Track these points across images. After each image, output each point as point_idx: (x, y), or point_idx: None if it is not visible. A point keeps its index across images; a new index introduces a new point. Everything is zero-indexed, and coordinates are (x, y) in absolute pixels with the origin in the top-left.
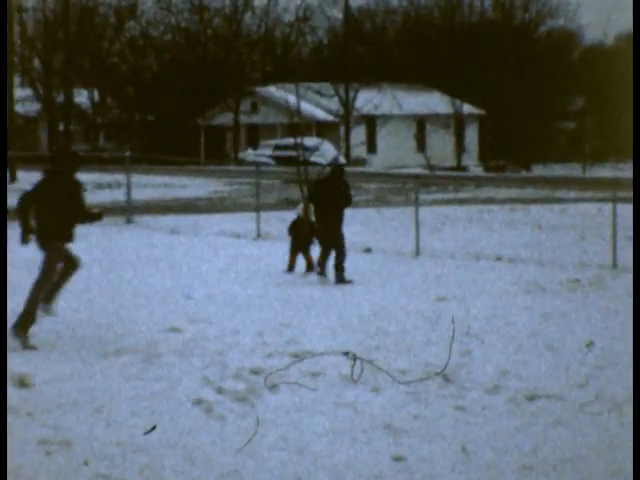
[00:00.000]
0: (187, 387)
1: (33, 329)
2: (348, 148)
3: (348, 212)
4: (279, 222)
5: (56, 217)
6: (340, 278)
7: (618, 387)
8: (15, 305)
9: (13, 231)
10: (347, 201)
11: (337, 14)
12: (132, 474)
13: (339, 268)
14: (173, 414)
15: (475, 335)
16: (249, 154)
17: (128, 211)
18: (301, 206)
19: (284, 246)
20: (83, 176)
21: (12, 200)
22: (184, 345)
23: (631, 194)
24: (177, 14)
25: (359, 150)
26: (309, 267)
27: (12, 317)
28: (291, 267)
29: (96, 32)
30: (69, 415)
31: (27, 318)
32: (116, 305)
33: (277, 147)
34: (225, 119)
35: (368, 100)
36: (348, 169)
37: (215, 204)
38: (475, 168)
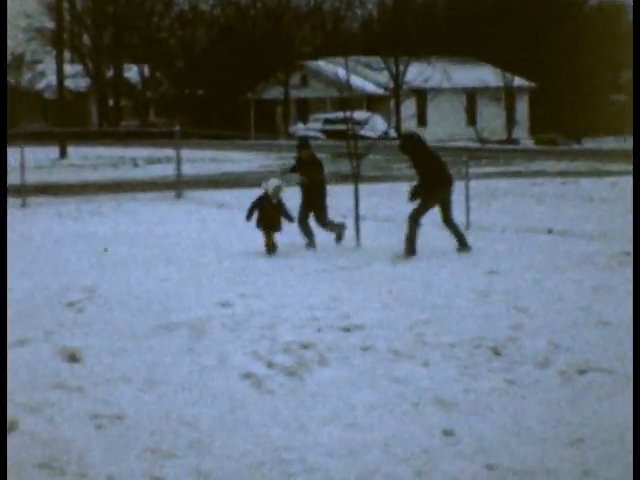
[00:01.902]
0: (237, 361)
1: (83, 304)
2: (398, 121)
3: (397, 186)
4: (329, 196)
5: None
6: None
7: None
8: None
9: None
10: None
11: None
12: (182, 448)
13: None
14: (223, 388)
15: (525, 309)
16: (299, 128)
17: (178, 186)
18: (272, 182)
19: (334, 220)
20: (134, 151)
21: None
22: (234, 319)
23: None
24: None
25: (409, 123)
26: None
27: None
28: (270, 247)
29: (145, 7)
30: (119, 389)
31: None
32: (166, 279)
33: (327, 121)
34: (275, 93)
35: (418, 73)
36: (398, 142)
37: (265, 178)
38: (525, 141)
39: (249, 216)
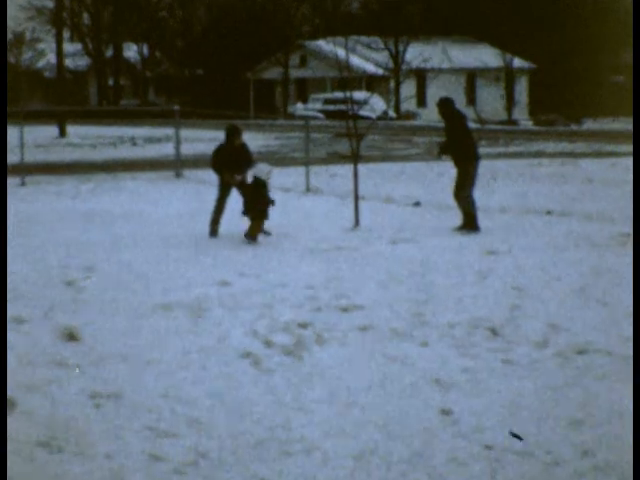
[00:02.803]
0: (236, 340)
1: (82, 283)
2: (398, 102)
3: (397, 166)
4: (329, 176)
5: None
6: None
7: None
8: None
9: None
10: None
11: None
12: (181, 427)
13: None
14: (222, 367)
15: (524, 289)
16: (298, 108)
17: (177, 165)
18: (262, 167)
19: (333, 200)
20: (133, 130)
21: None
22: (233, 298)
23: None
24: None
25: (409, 104)
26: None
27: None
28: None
29: None
30: (118, 368)
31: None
32: (164, 258)
33: (326, 101)
34: (274, 73)
35: (418, 54)
36: (398, 122)
37: (264, 158)
38: (525, 122)
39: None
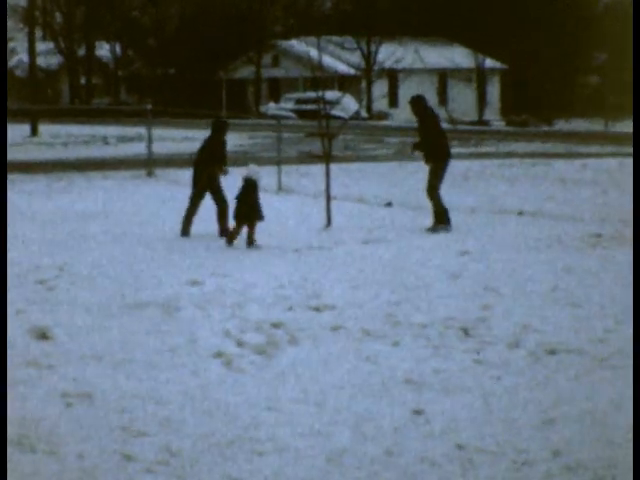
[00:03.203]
0: (207, 340)
1: (53, 282)
2: (370, 102)
3: (368, 166)
4: (300, 176)
5: None
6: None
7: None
8: None
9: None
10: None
11: None
12: (152, 426)
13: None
14: (194, 367)
15: (496, 289)
16: (271, 107)
17: (149, 164)
18: (253, 169)
19: (305, 200)
20: (105, 129)
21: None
22: (204, 298)
23: None
24: None
25: (381, 104)
26: (248, 239)
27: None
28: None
29: None
30: (90, 368)
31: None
32: (136, 258)
33: (299, 101)
34: (247, 72)
35: (390, 54)
36: (370, 122)
37: (236, 157)
38: (497, 122)
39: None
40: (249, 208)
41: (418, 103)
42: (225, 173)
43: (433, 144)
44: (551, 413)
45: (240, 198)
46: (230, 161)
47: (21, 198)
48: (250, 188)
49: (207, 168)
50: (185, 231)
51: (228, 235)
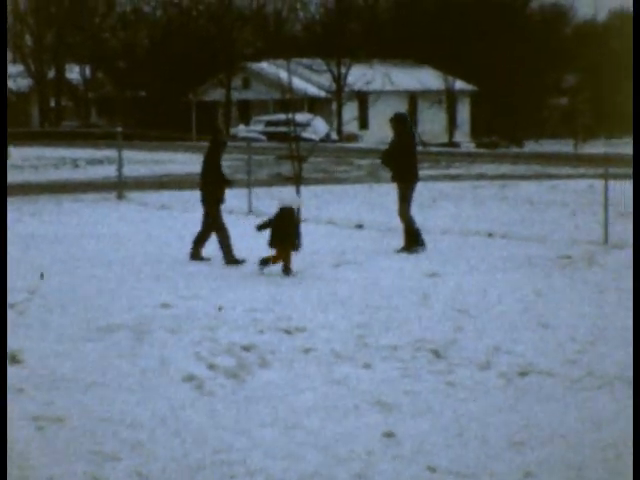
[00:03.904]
0: (178, 363)
1: (24, 306)
2: (340, 124)
3: (339, 188)
4: (271, 198)
5: None
6: (226, 260)
7: (609, 363)
8: None
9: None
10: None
11: None
12: (123, 450)
13: (197, 249)
14: (164, 390)
15: (466, 311)
16: (241, 130)
17: (119, 187)
18: (291, 195)
19: None
20: (75, 152)
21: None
22: (175, 321)
23: (623, 171)
24: None
25: (351, 126)
26: (284, 267)
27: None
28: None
29: (88, 7)
30: (61, 391)
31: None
32: (107, 281)
33: (269, 123)
34: (217, 95)
35: (360, 76)
36: (340, 145)
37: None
38: (467, 144)
39: (262, 228)
40: (284, 235)
41: (402, 122)
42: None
43: (403, 164)
44: (522, 435)
45: (275, 224)
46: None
47: None
48: (286, 216)
49: (215, 189)
50: (196, 254)
51: (263, 260)
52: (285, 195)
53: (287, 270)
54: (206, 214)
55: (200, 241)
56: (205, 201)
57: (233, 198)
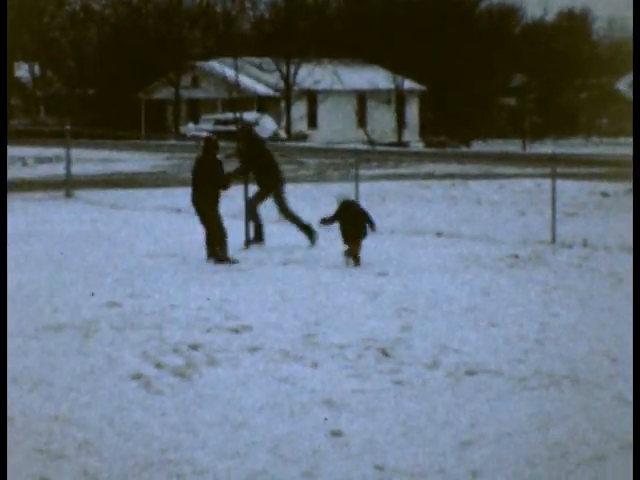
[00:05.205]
0: (126, 362)
1: None
2: (289, 123)
3: (288, 188)
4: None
5: None
6: (218, 258)
7: (557, 362)
8: None
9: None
10: (217, 179)
11: None
12: (71, 449)
13: (212, 249)
14: (112, 389)
15: (414, 310)
16: (190, 128)
17: (68, 185)
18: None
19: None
20: (23, 150)
21: None
22: (123, 320)
23: (570, 170)
24: None
25: (300, 125)
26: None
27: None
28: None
29: (37, 5)
30: (8, 390)
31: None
32: (54, 280)
33: (218, 121)
34: (166, 93)
35: (309, 75)
36: (289, 143)
37: (156, 179)
38: (416, 144)
39: (326, 223)
40: (353, 227)
41: (248, 135)
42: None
43: (265, 173)
44: (470, 434)
45: (342, 218)
46: (151, 182)
47: None
48: (350, 207)
49: (209, 190)
50: (223, 258)
51: (352, 258)
52: (338, 190)
53: (357, 260)
54: (203, 214)
55: (216, 242)
56: (202, 201)
57: (181, 197)
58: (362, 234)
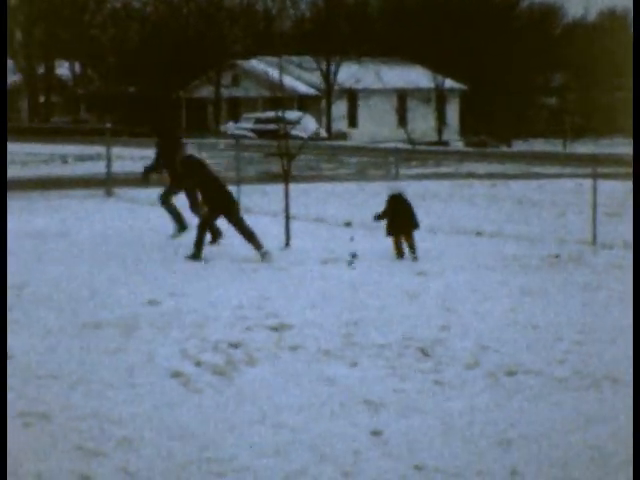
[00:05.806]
0: (165, 360)
1: (12, 301)
2: (329, 122)
3: (328, 186)
4: (260, 195)
5: None
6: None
7: (597, 363)
8: None
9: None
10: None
11: None
12: (110, 447)
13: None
14: (151, 387)
15: (454, 310)
16: (230, 127)
17: (108, 183)
18: (399, 184)
19: (264, 219)
20: (64, 148)
21: None
22: (162, 318)
23: (611, 170)
24: None
25: (340, 124)
26: (410, 249)
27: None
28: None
29: (78, 3)
30: (47, 387)
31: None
32: (94, 277)
33: (258, 120)
34: (207, 92)
35: (350, 74)
36: (330, 142)
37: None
38: (456, 143)
39: (380, 218)
40: (401, 220)
41: (187, 165)
42: None
43: (211, 201)
44: (509, 434)
45: (392, 212)
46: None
47: None
48: (400, 201)
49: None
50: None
51: (396, 253)
52: (392, 184)
53: (413, 250)
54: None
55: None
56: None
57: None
58: (415, 225)
